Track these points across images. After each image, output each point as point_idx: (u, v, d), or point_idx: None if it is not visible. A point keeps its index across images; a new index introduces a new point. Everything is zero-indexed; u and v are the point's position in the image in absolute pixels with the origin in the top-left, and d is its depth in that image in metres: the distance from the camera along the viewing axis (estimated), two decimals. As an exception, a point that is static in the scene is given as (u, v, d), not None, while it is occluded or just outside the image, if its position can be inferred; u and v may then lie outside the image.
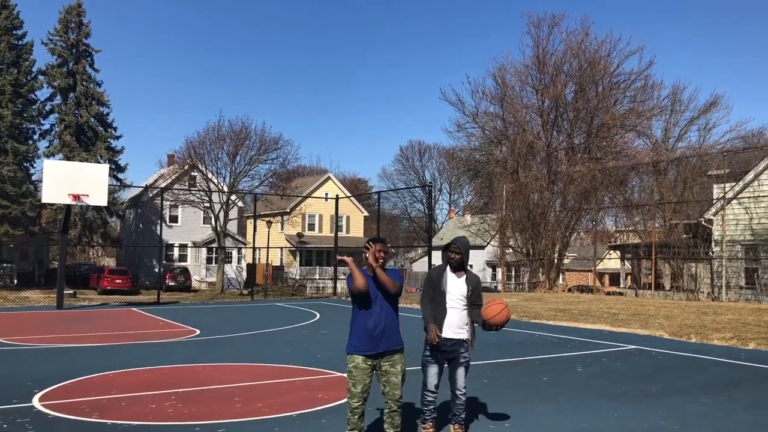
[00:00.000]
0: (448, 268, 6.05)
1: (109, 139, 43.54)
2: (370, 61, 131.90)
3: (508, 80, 41.15)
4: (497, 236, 41.07)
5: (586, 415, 6.95)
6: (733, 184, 26.99)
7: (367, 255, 5.28)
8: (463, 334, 5.98)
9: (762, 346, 12.72)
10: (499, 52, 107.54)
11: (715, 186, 28.49)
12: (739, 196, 26.63)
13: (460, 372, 5.98)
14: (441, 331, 5.88)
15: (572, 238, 41.36)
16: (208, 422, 6.46)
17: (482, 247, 54.43)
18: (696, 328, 15.23)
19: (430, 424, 5.95)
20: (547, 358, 11.31)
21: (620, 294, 31.69)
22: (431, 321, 5.88)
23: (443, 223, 74.42)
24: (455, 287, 5.96)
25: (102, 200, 21.51)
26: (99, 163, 37.77)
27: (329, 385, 8.51)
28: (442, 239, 64.30)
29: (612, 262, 52.36)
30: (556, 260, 37.90)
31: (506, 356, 11.35)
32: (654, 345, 13.00)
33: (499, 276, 41.27)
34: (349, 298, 5.59)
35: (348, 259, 5.37)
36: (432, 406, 5.95)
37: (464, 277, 6.02)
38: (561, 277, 45.95)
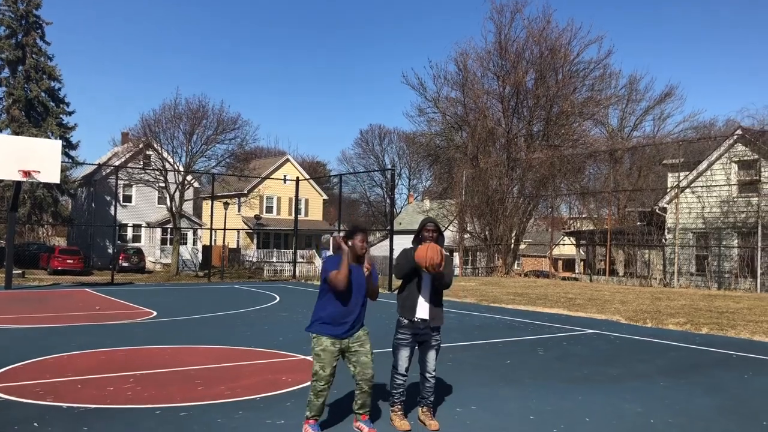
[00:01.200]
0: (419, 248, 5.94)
1: (60, 115, 42.23)
2: (331, 42, 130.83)
3: (470, 66, 41.25)
4: (456, 221, 41.31)
5: (550, 398, 7.00)
6: (687, 173, 27.65)
7: (357, 245, 5.28)
8: (436, 315, 5.92)
9: (714, 331, 13.06)
10: (461, 37, 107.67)
11: (669, 175, 29.15)
12: (693, 185, 27.29)
13: (431, 355, 5.93)
14: (415, 313, 5.80)
15: (529, 224, 41.87)
16: (169, 405, 6.28)
17: (441, 232, 54.59)
18: (651, 313, 15.57)
19: (399, 407, 5.88)
20: (508, 341, 11.38)
21: (575, 279, 32.28)
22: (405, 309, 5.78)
23: (402, 207, 74.56)
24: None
25: (54, 177, 20.79)
26: (50, 139, 36.56)
27: (292, 368, 8.39)
28: (400, 224, 64.36)
29: (566, 248, 53.27)
30: (513, 245, 38.35)
31: (467, 339, 11.39)
32: (612, 329, 13.22)
33: (457, 261, 41.54)
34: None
35: (345, 248, 5.25)
36: (402, 389, 5.88)
37: (437, 253, 5.93)
38: (517, 262, 46.59)
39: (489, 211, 36.77)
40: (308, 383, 7.22)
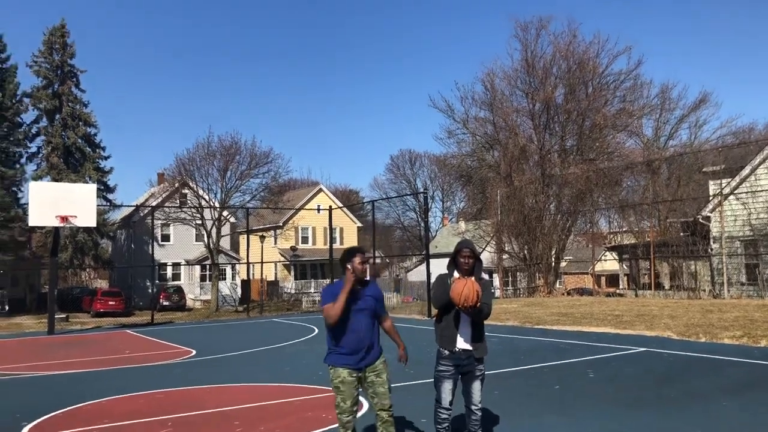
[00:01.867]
0: (456, 275, 5.63)
1: (97, 160, 43.11)
2: (358, 70, 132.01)
3: (498, 85, 41.00)
4: (493, 242, 40.74)
5: (605, 425, 6.60)
6: (729, 179, 26.79)
7: (356, 267, 5.02)
8: (478, 345, 5.59)
9: (774, 343, 12.41)
10: (487, 57, 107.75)
11: (710, 182, 28.28)
12: (736, 191, 26.42)
13: (476, 386, 5.60)
14: (455, 344, 5.49)
15: (569, 240, 41.06)
16: (207, 450, 6.07)
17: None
18: (703, 327, 14.91)
19: (444, 441, 5.56)
20: (556, 365, 10.94)
21: (620, 295, 31.37)
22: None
23: (437, 230, 74.07)
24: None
25: (91, 221, 21.05)
26: (87, 184, 37.31)
27: (331, 404, 8.11)
28: (436, 247, 63.83)
29: (608, 263, 52.12)
30: (553, 264, 37.60)
31: (515, 365, 10.99)
32: (663, 346, 12.66)
33: (497, 282, 40.93)
34: None
35: (350, 277, 5.00)
36: (446, 424, 5.56)
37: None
38: (559, 280, 45.66)
39: (526, 230, 36.14)
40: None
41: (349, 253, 5.11)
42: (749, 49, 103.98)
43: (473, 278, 5.34)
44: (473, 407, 5.59)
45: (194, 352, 14.62)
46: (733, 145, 32.38)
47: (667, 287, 30.14)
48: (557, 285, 40.46)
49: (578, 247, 51.73)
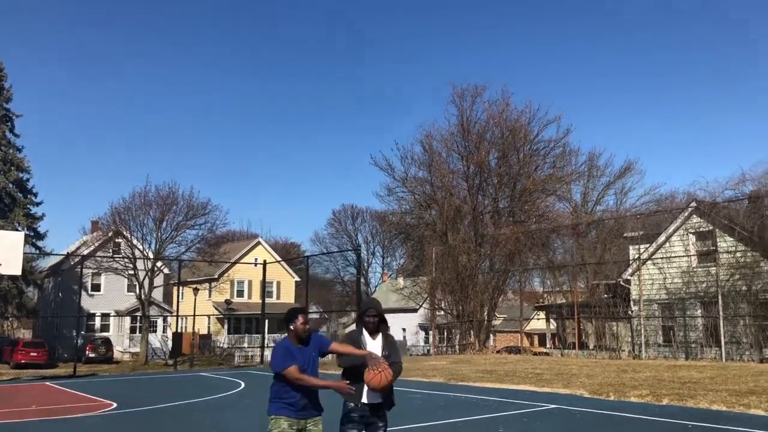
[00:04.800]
0: (364, 331, 6.08)
1: (28, 206, 42.21)
2: (302, 124, 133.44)
3: (435, 147, 42.40)
4: (428, 299, 41.39)
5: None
6: (647, 245, 28.31)
7: (299, 327, 5.42)
8: (381, 398, 5.98)
9: (675, 402, 13.18)
10: (427, 119, 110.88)
11: (630, 247, 29.80)
12: (653, 257, 27.91)
13: (380, 437, 5.97)
14: (360, 397, 5.87)
15: (500, 299, 42.08)
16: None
17: (415, 310, 54.59)
18: (615, 386, 15.66)
19: (347, 495, 5.85)
20: (469, 420, 11.38)
21: (547, 354, 32.26)
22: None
23: (377, 286, 74.46)
24: (372, 350, 5.99)
25: (16, 269, 20.63)
26: (17, 230, 36.37)
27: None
28: (374, 303, 64.11)
29: (541, 322, 53.35)
30: (485, 321, 38.42)
31: (429, 420, 11.36)
32: (574, 404, 13.28)
33: (431, 339, 41.42)
34: None
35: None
36: (352, 477, 5.86)
37: (379, 338, 6.08)
38: (492, 338, 46.47)
39: (459, 287, 36.99)
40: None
41: (292, 313, 5.52)
42: (672, 119, 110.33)
43: (384, 366, 5.61)
44: (377, 459, 5.93)
45: (114, 404, 14.43)
46: (650, 212, 34.27)
47: (591, 347, 31.22)
48: (489, 343, 41.21)
49: (511, 306, 52.88)
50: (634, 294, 28.49)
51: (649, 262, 28.04)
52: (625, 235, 31.28)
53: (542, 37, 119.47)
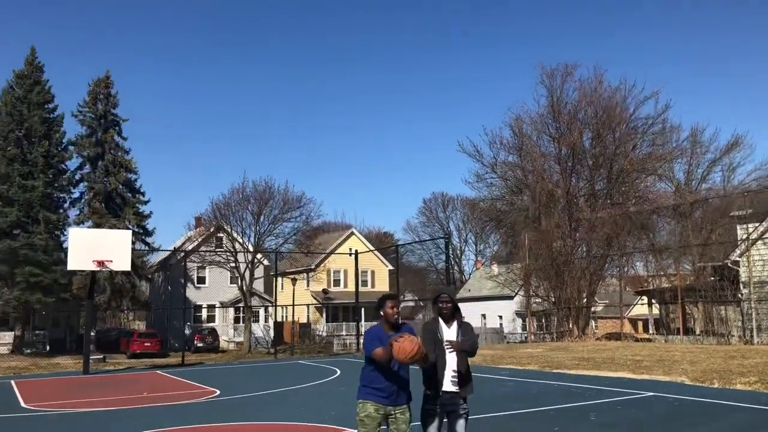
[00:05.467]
0: (440, 319, 6.12)
1: (137, 205, 44.63)
2: (390, 116, 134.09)
3: (525, 130, 41.55)
4: (523, 286, 40.75)
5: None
6: (757, 224, 26.65)
7: (388, 312, 5.58)
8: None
9: (786, 390, 12.42)
10: (514, 103, 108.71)
11: (738, 227, 28.14)
12: (764, 236, 26.25)
13: (461, 423, 5.97)
14: (441, 385, 5.91)
15: (599, 284, 40.80)
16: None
17: (510, 297, 53.86)
18: (720, 373, 14.91)
19: (430, 477, 5.92)
20: (561, 408, 11.18)
21: (649, 340, 31.06)
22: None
23: (470, 273, 74.01)
24: (449, 338, 6.03)
25: (125, 265, 22.01)
26: (128, 228, 38.66)
27: (337, 442, 8.55)
28: (469, 291, 63.83)
29: (644, 308, 51.31)
30: (584, 308, 37.40)
31: (521, 408, 11.24)
32: (673, 391, 12.76)
33: (527, 326, 40.79)
34: None
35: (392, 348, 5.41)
36: (432, 460, 5.93)
37: (454, 326, 6.10)
38: (592, 324, 45.16)
39: (555, 274, 36.16)
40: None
41: (382, 299, 5.69)
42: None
43: (405, 336, 5.61)
44: (457, 444, 5.97)
45: (218, 392, 15.17)
46: (762, 189, 32.13)
47: (697, 332, 29.80)
48: (589, 329, 40.12)
49: (613, 291, 51.16)
50: (743, 276, 26.91)
51: (759, 241, 26.39)
52: (732, 213, 29.56)
53: (634, 8, 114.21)
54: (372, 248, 52.07)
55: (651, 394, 12.53)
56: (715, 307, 28.99)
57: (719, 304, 28.39)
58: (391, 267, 57.45)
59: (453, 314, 6.06)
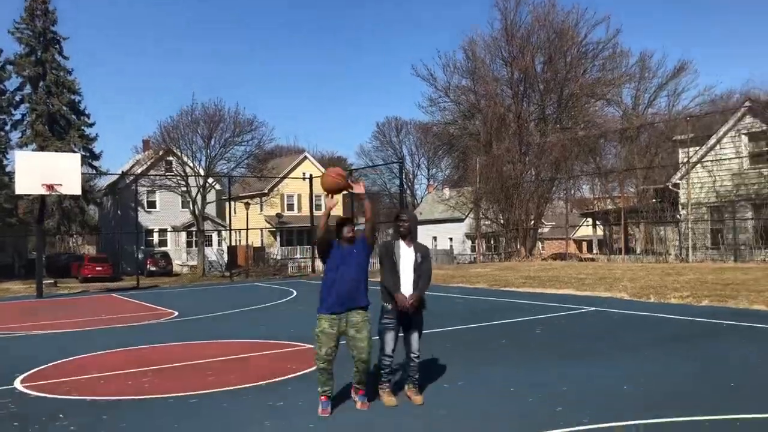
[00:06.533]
0: (399, 241, 6.46)
1: (82, 127, 43.37)
2: (342, 39, 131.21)
3: (479, 53, 41.45)
4: (473, 209, 41.66)
5: (536, 372, 7.49)
6: (697, 148, 27.69)
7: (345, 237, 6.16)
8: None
9: (715, 302, 13.40)
10: (469, 25, 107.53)
11: (680, 151, 29.20)
12: (703, 160, 27.35)
13: (415, 336, 6.40)
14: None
15: (547, 207, 42.02)
16: (181, 394, 6.89)
17: (461, 220, 55.07)
18: (657, 289, 15.89)
19: (387, 385, 6.38)
20: (509, 322, 11.86)
21: (593, 260, 32.47)
22: (397, 291, 6.26)
23: (422, 197, 74.97)
24: (406, 256, 6.37)
25: (76, 189, 21.67)
26: (73, 151, 37.69)
27: (298, 357, 8.98)
28: (421, 214, 64.83)
29: (589, 229, 53.21)
30: (531, 230, 38.62)
31: (471, 322, 11.88)
32: (613, 306, 13.62)
33: (477, 248, 41.97)
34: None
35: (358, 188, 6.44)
36: (389, 369, 6.35)
37: (413, 246, 6.45)
38: (539, 245, 46.71)
39: (504, 197, 37.06)
40: (310, 369, 7.86)
41: (339, 225, 6.26)
42: (727, 14, 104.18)
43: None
44: (412, 355, 6.41)
45: (176, 313, 15.46)
46: (702, 114, 33.20)
47: (638, 252, 31.26)
48: (538, 250, 41.52)
49: (560, 213, 52.73)
50: (682, 198, 28.15)
51: (698, 165, 27.51)
52: (674, 138, 30.59)
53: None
54: (324, 171, 52.05)
55: (593, 308, 13.36)
56: (655, 228, 30.37)
57: (659, 224, 29.74)
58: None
59: (410, 233, 6.42)
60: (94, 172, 43.15)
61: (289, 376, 7.70)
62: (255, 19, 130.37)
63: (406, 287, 6.29)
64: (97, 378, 7.99)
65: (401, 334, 6.38)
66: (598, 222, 35.64)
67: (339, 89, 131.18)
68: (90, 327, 13.28)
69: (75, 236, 54.58)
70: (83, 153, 41.90)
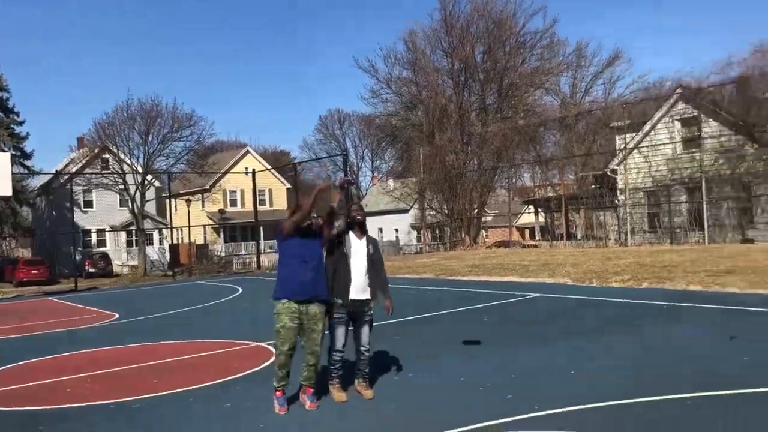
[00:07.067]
0: (350, 233, 6.35)
1: (11, 126, 41.62)
2: (283, 31, 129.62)
3: (419, 44, 41.61)
4: (418, 199, 41.91)
5: (484, 361, 7.53)
6: (633, 134, 28.48)
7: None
8: (367, 294, 6.31)
9: (654, 284, 13.79)
10: (409, 17, 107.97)
11: (617, 137, 29.97)
12: (639, 146, 28.14)
13: (365, 330, 6.33)
14: (348, 294, 6.19)
15: (490, 196, 42.62)
16: (123, 400, 6.64)
17: (406, 211, 55.31)
18: (598, 273, 16.27)
19: (337, 380, 6.28)
20: (457, 311, 11.93)
21: (536, 246, 33.09)
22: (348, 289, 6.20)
23: (367, 189, 74.94)
24: (358, 249, 6.28)
25: (6, 190, 20.74)
26: (3, 150, 36.12)
27: (246, 355, 8.79)
28: (366, 206, 64.78)
29: (531, 216, 54.27)
30: (475, 218, 39.09)
31: (419, 313, 11.89)
32: (557, 291, 13.88)
33: (422, 238, 42.22)
34: (273, 272, 6.09)
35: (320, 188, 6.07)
36: (339, 364, 6.25)
37: (365, 238, 6.37)
38: (483, 234, 47.38)
39: (448, 187, 37.40)
40: (258, 368, 7.70)
41: (293, 211, 6.14)
42: (658, 3, 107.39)
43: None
44: (362, 349, 6.34)
45: (117, 315, 14.98)
46: (637, 101, 34.15)
47: (578, 237, 32.00)
48: (482, 238, 42.08)
49: (503, 202, 53.54)
50: (620, 183, 28.92)
51: (635, 151, 28.29)
52: (611, 124, 31.38)
53: None
54: (268, 167, 51.44)
55: (537, 294, 13.57)
56: (594, 213, 31.12)
57: (598, 210, 30.49)
58: (289, 185, 57.14)
59: (363, 226, 6.35)
60: (26, 171, 41.46)
61: (237, 375, 7.52)
62: (194, 17, 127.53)
63: (359, 280, 6.21)
64: (31, 387, 7.64)
65: (350, 328, 6.31)
66: (539, 209, 36.31)
67: (280, 83, 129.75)
68: (25, 333, 12.73)
69: (8, 239, 52.44)
70: (14, 152, 40.25)
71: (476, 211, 39.25)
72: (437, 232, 47.39)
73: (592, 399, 5.55)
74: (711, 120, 25.94)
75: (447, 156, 37.38)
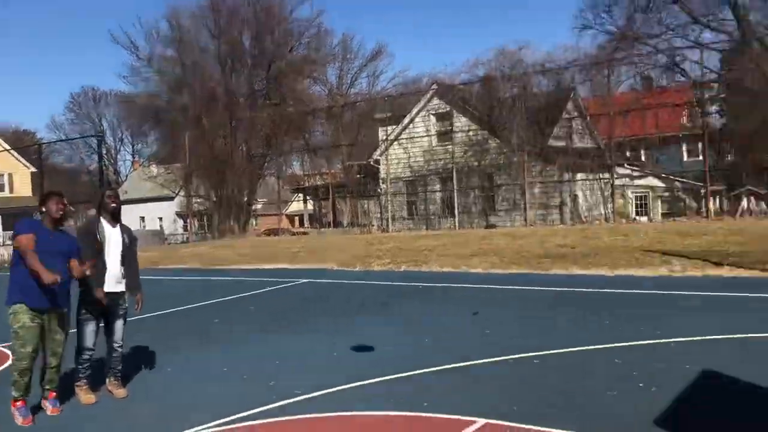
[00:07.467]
0: (102, 219, 5.80)
1: None
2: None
3: (184, 23, 39.87)
4: (184, 186, 40.25)
5: (247, 350, 7.39)
6: (394, 126, 30.13)
7: (51, 209, 5.25)
8: (122, 286, 5.84)
9: (411, 267, 14.74)
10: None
11: (380, 129, 31.48)
12: (399, 137, 29.84)
13: (119, 324, 5.85)
14: (102, 285, 5.65)
15: (259, 183, 42.37)
16: None
17: (171, 198, 52.75)
18: (362, 258, 16.96)
19: (84, 381, 5.74)
20: (223, 301, 11.63)
21: (305, 234, 33.62)
22: (101, 285, 5.62)
23: (127, 175, 70.27)
24: (113, 238, 5.77)
25: None
26: None
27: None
28: (126, 192, 60.69)
29: (301, 204, 54.96)
30: (245, 206, 38.59)
31: (182, 305, 11.38)
32: (324, 276, 14.20)
33: (189, 226, 40.68)
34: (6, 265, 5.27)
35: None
36: (88, 364, 5.71)
37: (119, 226, 5.87)
38: (254, 222, 46.97)
39: (216, 173, 36.43)
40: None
41: (46, 195, 5.34)
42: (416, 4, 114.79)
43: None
44: (115, 345, 5.84)
45: None
46: (398, 95, 36.21)
47: (345, 224, 33.14)
48: (252, 226, 41.66)
49: (273, 189, 53.50)
50: (382, 173, 30.44)
51: (395, 142, 29.94)
52: (375, 116, 32.86)
53: None
54: (8, 147, 45.80)
55: (305, 280, 13.76)
56: (360, 202, 32.44)
57: (363, 198, 31.84)
58: (34, 169, 51.35)
59: (118, 214, 5.85)
60: None
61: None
62: None
63: (114, 272, 5.72)
64: None
65: (102, 325, 5.80)
66: (308, 197, 36.92)
67: (23, 55, 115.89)
68: None
69: None
70: None
71: (245, 198, 38.75)
72: (205, 220, 45.96)
73: (352, 378, 5.72)
74: (461, 116, 28.36)
75: (215, 141, 36.35)
